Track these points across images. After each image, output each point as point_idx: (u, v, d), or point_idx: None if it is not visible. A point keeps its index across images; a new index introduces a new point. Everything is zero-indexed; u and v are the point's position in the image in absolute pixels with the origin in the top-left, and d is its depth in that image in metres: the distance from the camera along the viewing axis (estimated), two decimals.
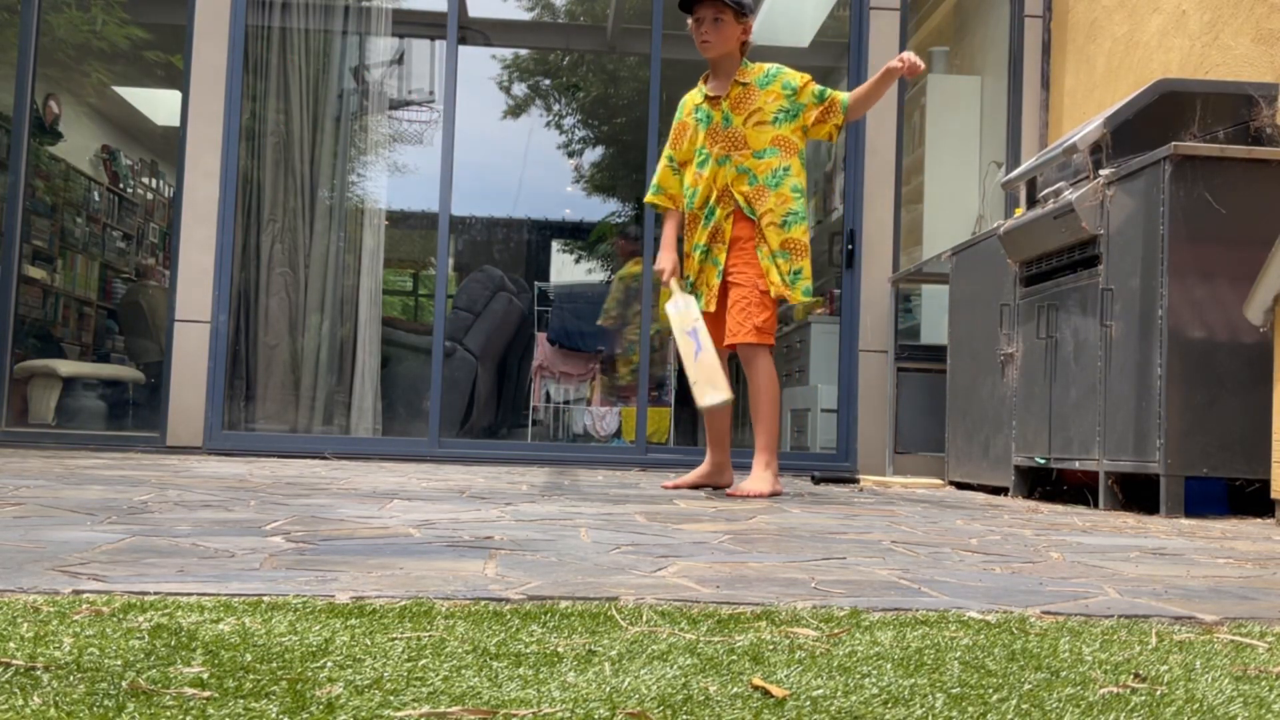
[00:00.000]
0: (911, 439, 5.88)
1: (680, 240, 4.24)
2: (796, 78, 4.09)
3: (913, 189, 6.64)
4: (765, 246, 4.00)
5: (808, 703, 1.01)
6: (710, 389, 3.81)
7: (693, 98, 4.20)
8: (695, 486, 4.19)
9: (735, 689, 1.05)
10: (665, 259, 4.16)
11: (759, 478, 3.93)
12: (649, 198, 4.33)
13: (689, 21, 4.13)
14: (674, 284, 4.11)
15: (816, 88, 4.08)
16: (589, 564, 1.89)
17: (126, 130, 10.18)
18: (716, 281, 4.07)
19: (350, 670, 1.08)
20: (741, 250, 4.03)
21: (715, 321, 4.06)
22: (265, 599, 1.42)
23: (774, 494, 3.91)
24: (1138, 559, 2.27)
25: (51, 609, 1.33)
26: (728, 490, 4.03)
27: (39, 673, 1.02)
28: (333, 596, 1.46)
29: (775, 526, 2.77)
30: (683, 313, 3.99)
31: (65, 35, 7.99)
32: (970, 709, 1.00)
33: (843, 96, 4.07)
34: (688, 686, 1.05)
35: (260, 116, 6.55)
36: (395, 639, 1.22)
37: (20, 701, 0.92)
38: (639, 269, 7.64)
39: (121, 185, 9.97)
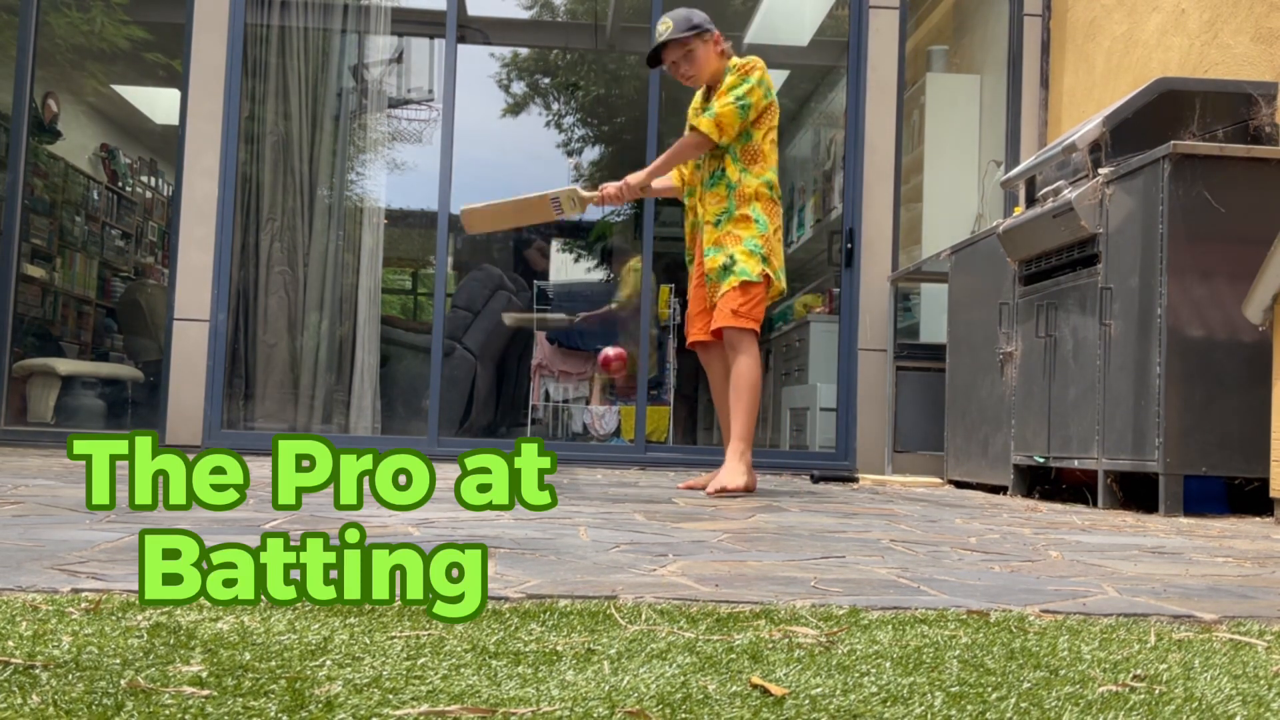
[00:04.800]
0: (910, 438, 5.88)
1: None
2: (728, 76, 4.02)
3: (912, 188, 6.64)
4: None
5: (806, 701, 1.01)
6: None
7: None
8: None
9: (734, 687, 1.05)
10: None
11: (730, 469, 3.87)
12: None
13: (663, 70, 4.15)
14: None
15: (722, 101, 3.97)
16: (588, 563, 1.89)
17: (125, 129, 10.18)
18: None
19: (349, 669, 1.08)
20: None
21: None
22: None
23: (746, 489, 3.87)
24: (1137, 557, 2.27)
25: (50, 607, 1.33)
26: (703, 489, 3.96)
27: (38, 671, 1.02)
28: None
29: (774, 525, 2.77)
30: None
31: (64, 36, 7.99)
32: (969, 707, 1.00)
33: (705, 123, 3.96)
34: (687, 685, 1.05)
35: (259, 115, 6.55)
36: (394, 637, 1.22)
37: (19, 700, 0.92)
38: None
39: (120, 184, 9.96)
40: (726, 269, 3.95)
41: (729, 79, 4.00)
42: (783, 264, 4.08)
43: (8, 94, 6.36)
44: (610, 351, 7.02)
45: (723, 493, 3.79)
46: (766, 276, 3.96)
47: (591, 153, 10.52)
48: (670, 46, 4.03)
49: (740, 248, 3.95)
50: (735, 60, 4.06)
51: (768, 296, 4.01)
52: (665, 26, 4.04)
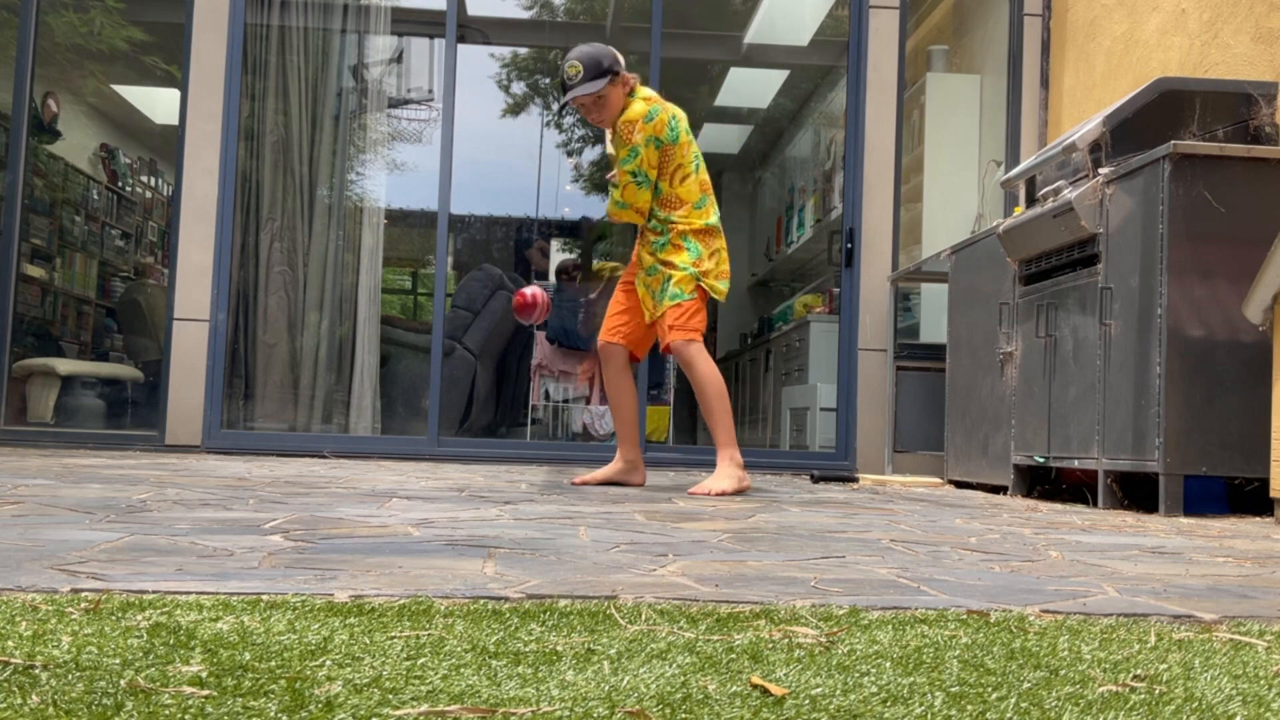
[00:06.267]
0: (911, 438, 5.88)
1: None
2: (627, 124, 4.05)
3: (912, 188, 6.64)
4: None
5: (806, 701, 1.01)
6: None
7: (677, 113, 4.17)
8: (605, 483, 4.20)
9: (734, 687, 1.05)
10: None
11: (721, 474, 3.92)
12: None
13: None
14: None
15: (622, 181, 4.08)
16: (588, 563, 1.89)
17: (125, 128, 10.18)
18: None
19: (349, 669, 1.07)
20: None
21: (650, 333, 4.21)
22: (264, 598, 1.42)
23: (739, 491, 3.87)
24: (1137, 557, 2.27)
25: (50, 607, 1.33)
26: (689, 490, 3.97)
27: (37, 671, 1.02)
28: (331, 595, 1.46)
29: (774, 525, 2.77)
30: None
31: (64, 38, 7.99)
32: (969, 707, 1.00)
33: (622, 215, 4.15)
34: (687, 685, 1.05)
35: (259, 115, 6.55)
36: (394, 637, 1.22)
37: (19, 700, 0.92)
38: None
39: (120, 183, 9.96)
40: (662, 293, 4.06)
41: (617, 143, 4.07)
42: (724, 277, 4.15)
43: (8, 94, 6.36)
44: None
45: (709, 495, 3.79)
46: (701, 290, 4.06)
47: (591, 153, 10.52)
48: (581, 96, 4.04)
49: (675, 273, 4.06)
50: (628, 113, 4.02)
51: (705, 304, 4.10)
52: (574, 70, 4.01)
